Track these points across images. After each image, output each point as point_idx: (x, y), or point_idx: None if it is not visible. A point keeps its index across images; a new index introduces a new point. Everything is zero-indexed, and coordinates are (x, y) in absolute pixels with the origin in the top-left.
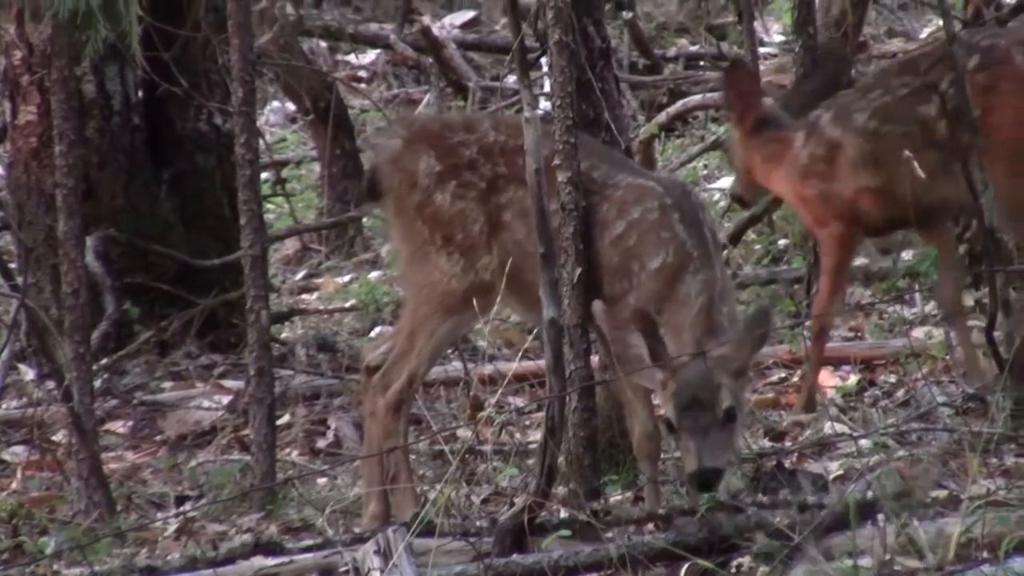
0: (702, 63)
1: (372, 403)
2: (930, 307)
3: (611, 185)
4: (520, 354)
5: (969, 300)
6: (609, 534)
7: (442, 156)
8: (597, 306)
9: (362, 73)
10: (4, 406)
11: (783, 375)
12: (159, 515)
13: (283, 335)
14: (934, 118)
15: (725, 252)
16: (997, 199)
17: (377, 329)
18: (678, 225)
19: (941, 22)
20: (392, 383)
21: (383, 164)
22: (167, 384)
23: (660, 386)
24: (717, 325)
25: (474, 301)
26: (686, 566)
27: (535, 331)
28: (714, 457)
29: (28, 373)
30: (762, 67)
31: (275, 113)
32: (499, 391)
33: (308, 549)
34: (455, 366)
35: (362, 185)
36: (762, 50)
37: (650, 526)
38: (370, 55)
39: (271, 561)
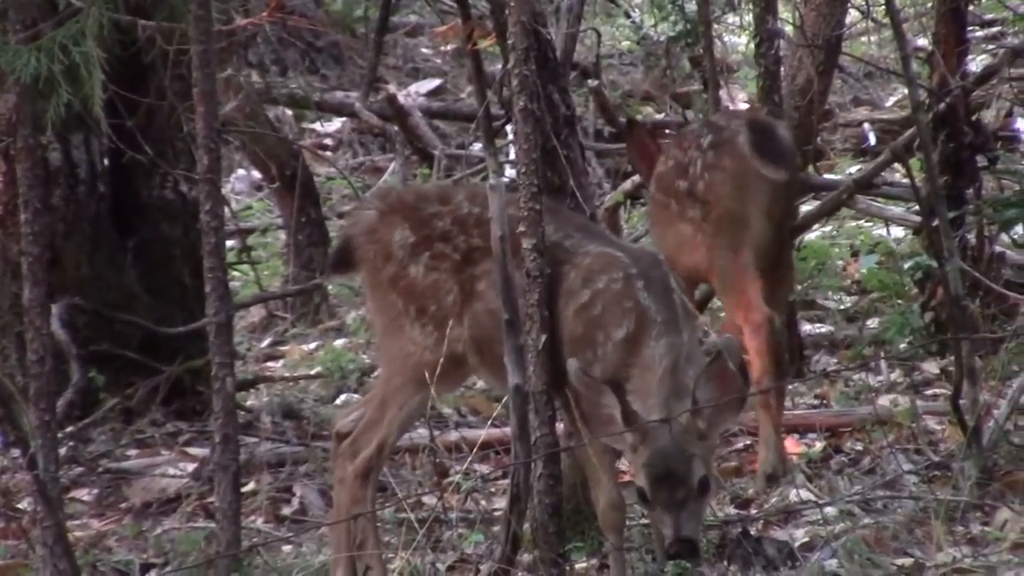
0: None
1: (341, 470)
2: (896, 375)
3: (580, 253)
4: (488, 422)
5: (935, 368)
6: None
7: (416, 227)
8: (572, 364)
9: (328, 141)
10: None
11: (748, 442)
12: None
13: (248, 402)
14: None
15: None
16: (716, 272)
17: (343, 396)
18: (642, 293)
19: (906, 90)
20: (361, 450)
21: (358, 235)
22: (132, 452)
23: (630, 449)
24: (684, 388)
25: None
26: None
27: (503, 399)
28: (691, 529)
29: None
30: None
31: (240, 181)
32: (466, 459)
33: None
34: (420, 433)
35: (331, 256)
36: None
37: None
38: (336, 123)
39: None
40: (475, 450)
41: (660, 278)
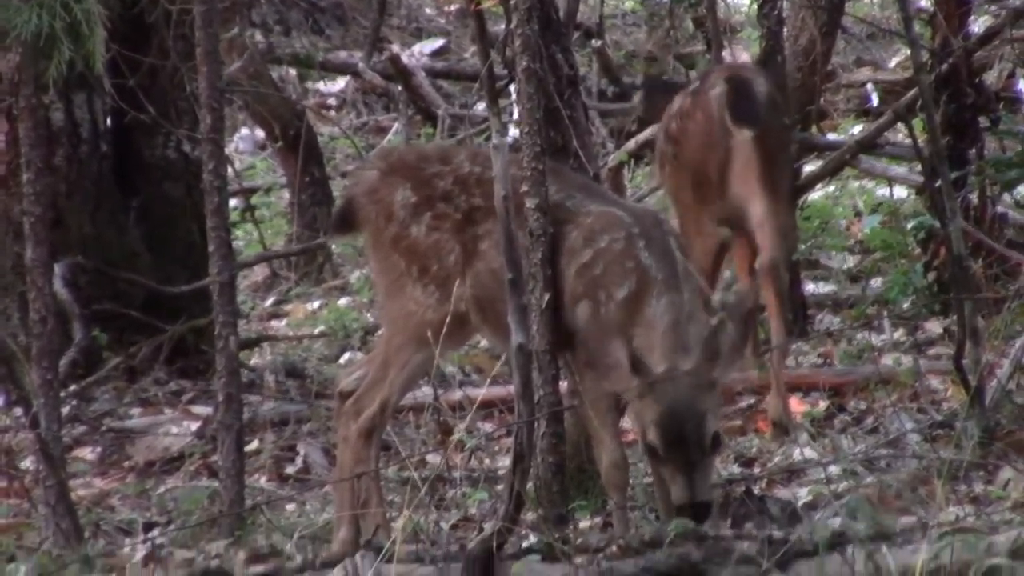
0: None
1: (345, 429)
2: (899, 334)
3: (582, 213)
4: (489, 380)
5: (937, 327)
6: (579, 560)
7: (418, 187)
8: (583, 308)
9: (331, 101)
10: None
11: (751, 401)
12: (127, 542)
13: (252, 361)
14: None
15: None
16: (678, 218)
17: (346, 355)
18: (643, 252)
19: (909, 51)
20: (364, 409)
21: (359, 196)
22: (135, 411)
23: (637, 397)
24: (684, 346)
25: (455, 329)
26: None
27: (503, 357)
28: (705, 491)
29: None
30: None
31: (244, 140)
32: (468, 417)
33: None
34: (424, 392)
35: (334, 217)
36: None
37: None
38: (339, 83)
39: None
40: (477, 408)
41: (661, 238)
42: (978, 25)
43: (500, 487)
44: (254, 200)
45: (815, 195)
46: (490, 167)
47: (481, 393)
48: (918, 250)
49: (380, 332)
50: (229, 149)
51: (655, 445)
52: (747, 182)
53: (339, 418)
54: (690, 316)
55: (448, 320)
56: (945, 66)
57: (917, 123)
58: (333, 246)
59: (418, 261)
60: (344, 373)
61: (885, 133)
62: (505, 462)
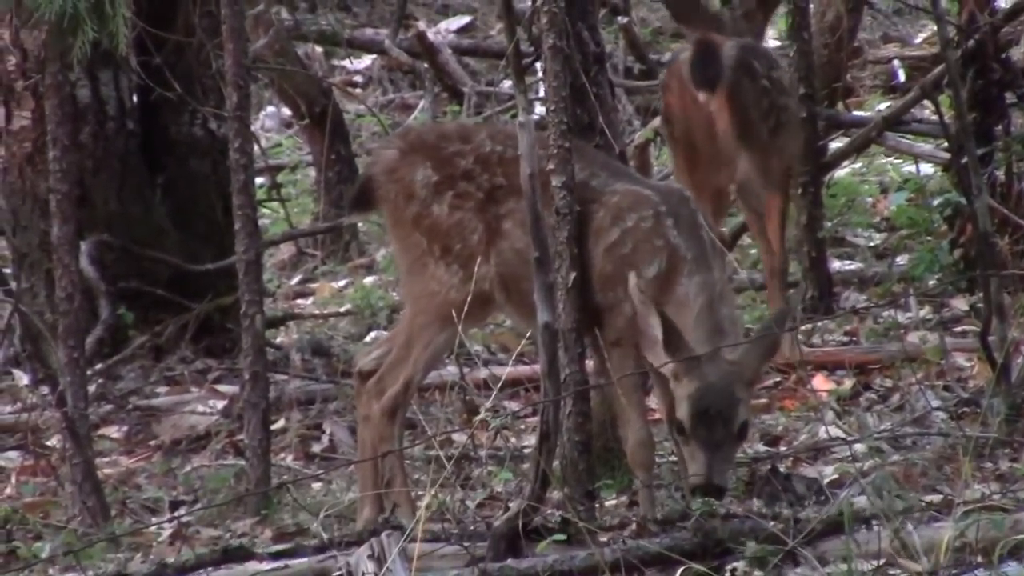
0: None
1: (366, 408)
2: (925, 312)
3: (608, 192)
4: (513, 357)
5: (963, 304)
6: (604, 539)
7: (438, 166)
8: (632, 279)
9: (357, 78)
10: None
11: (777, 379)
12: (153, 520)
13: (278, 340)
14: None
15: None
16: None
17: (372, 334)
18: (671, 231)
19: (935, 27)
20: (387, 388)
21: (378, 175)
22: (161, 389)
23: (672, 377)
24: (719, 327)
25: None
26: (680, 571)
27: (528, 335)
28: (722, 474)
29: (22, 378)
30: None
31: (270, 118)
32: (494, 395)
33: (280, 555)
34: (450, 370)
35: (352, 195)
36: None
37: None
38: (365, 60)
39: (266, 566)
40: (502, 387)
41: (688, 215)
42: (1005, 1)
43: (526, 466)
44: (280, 178)
45: (841, 172)
46: (512, 145)
47: (507, 371)
48: (944, 227)
49: (403, 311)
50: (255, 127)
51: (684, 421)
52: (730, 143)
53: (360, 397)
54: (721, 295)
55: (471, 299)
56: (972, 42)
57: (943, 99)
58: (359, 224)
59: (440, 240)
60: (362, 352)
61: (911, 110)
62: (531, 441)
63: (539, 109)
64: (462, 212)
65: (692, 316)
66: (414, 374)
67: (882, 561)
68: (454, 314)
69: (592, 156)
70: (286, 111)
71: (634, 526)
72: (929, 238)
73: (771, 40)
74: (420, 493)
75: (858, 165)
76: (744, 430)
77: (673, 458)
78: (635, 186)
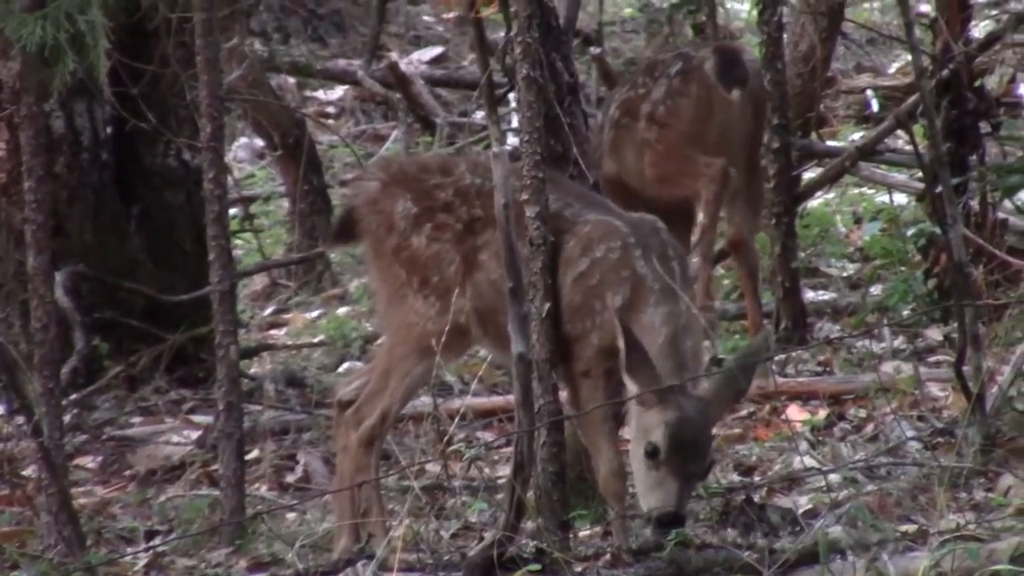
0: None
1: (344, 438)
2: (899, 342)
3: (580, 222)
4: (486, 388)
5: (938, 335)
6: (579, 569)
7: (418, 198)
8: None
9: (330, 109)
10: None
11: (751, 409)
12: (129, 550)
13: (252, 370)
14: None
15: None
16: (649, 166)
17: (346, 364)
18: (639, 262)
19: (910, 56)
20: (365, 419)
21: (360, 206)
22: (136, 419)
23: (640, 401)
24: (682, 362)
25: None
26: None
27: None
28: (685, 506)
29: None
30: None
31: (243, 149)
32: (469, 426)
33: None
34: (424, 401)
35: (334, 227)
36: None
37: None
38: (338, 91)
39: None
40: (476, 417)
41: (658, 246)
42: (979, 30)
43: (500, 496)
44: (253, 209)
45: (814, 202)
46: (490, 178)
47: (479, 401)
48: (918, 257)
49: (380, 341)
50: (229, 157)
51: (660, 446)
52: (732, 152)
53: (338, 427)
54: (686, 328)
55: (448, 331)
56: (946, 71)
57: (918, 129)
58: (332, 255)
59: (419, 272)
60: (343, 382)
61: (885, 139)
62: (505, 471)
63: (512, 139)
64: (440, 244)
65: (656, 346)
66: (391, 405)
67: None
68: (432, 345)
69: (567, 186)
70: (259, 142)
71: (609, 556)
72: (903, 268)
73: None
74: (395, 523)
75: (832, 195)
76: (711, 468)
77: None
78: (606, 216)
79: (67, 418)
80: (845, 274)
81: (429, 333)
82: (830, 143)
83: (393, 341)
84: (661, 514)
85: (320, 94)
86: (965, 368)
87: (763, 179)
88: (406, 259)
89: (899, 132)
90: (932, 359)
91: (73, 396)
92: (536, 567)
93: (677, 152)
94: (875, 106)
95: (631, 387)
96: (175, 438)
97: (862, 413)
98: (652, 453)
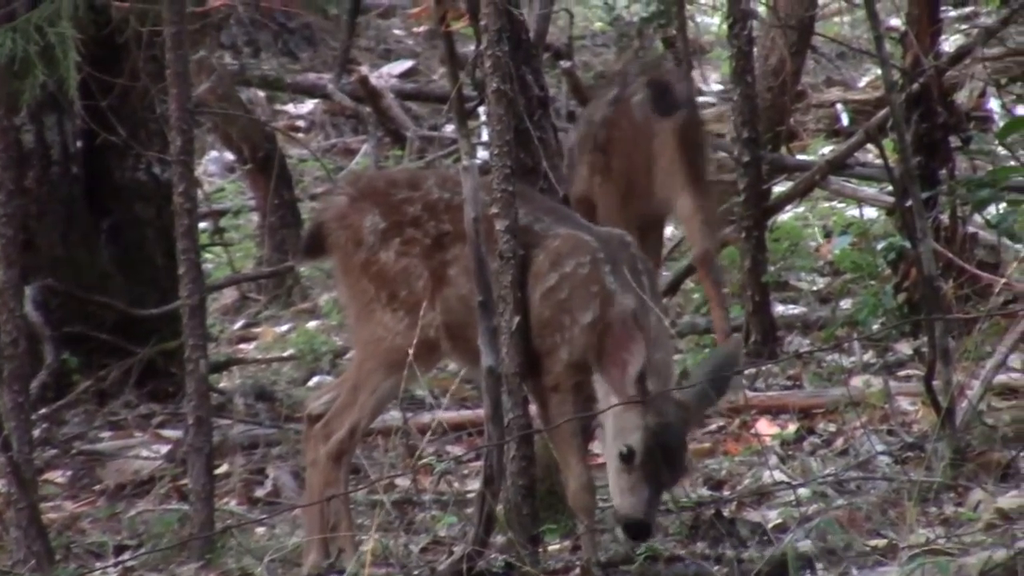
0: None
1: (314, 452)
2: (869, 356)
3: (550, 236)
4: (456, 402)
5: (908, 349)
6: None
7: (387, 213)
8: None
9: (300, 122)
10: None
11: (721, 424)
12: (98, 565)
13: (221, 384)
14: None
15: (664, 301)
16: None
17: (316, 378)
18: (608, 277)
19: (879, 71)
20: (334, 433)
21: (329, 221)
22: (106, 434)
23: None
24: (654, 372)
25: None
26: None
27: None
28: (655, 513)
29: None
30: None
31: (213, 163)
32: (438, 440)
33: None
34: (394, 415)
35: (303, 242)
36: (700, 99)
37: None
38: (308, 104)
39: None
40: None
41: (628, 260)
42: (949, 44)
43: (470, 510)
44: (223, 222)
45: (784, 216)
46: (459, 192)
47: (449, 415)
48: (888, 271)
49: (350, 355)
50: (199, 171)
51: (636, 450)
52: (673, 178)
53: (307, 441)
54: (656, 341)
55: (417, 345)
56: (916, 85)
57: (888, 143)
58: (302, 269)
59: (387, 287)
60: (313, 396)
61: (855, 153)
62: (475, 485)
63: (483, 153)
64: (408, 259)
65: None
66: (360, 419)
67: None
68: (401, 360)
69: (536, 200)
70: (229, 155)
71: (578, 570)
72: (873, 282)
73: (714, 84)
74: (364, 537)
75: (801, 209)
76: (684, 473)
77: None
78: (576, 231)
79: (36, 432)
80: (815, 288)
81: (398, 348)
82: (800, 157)
83: (362, 356)
84: (628, 522)
85: (290, 108)
86: (935, 382)
87: (714, 196)
88: (375, 274)
89: (869, 146)
90: (902, 373)
91: (43, 410)
92: None
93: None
94: (845, 120)
95: (607, 393)
96: (144, 452)
97: (832, 427)
98: (627, 457)
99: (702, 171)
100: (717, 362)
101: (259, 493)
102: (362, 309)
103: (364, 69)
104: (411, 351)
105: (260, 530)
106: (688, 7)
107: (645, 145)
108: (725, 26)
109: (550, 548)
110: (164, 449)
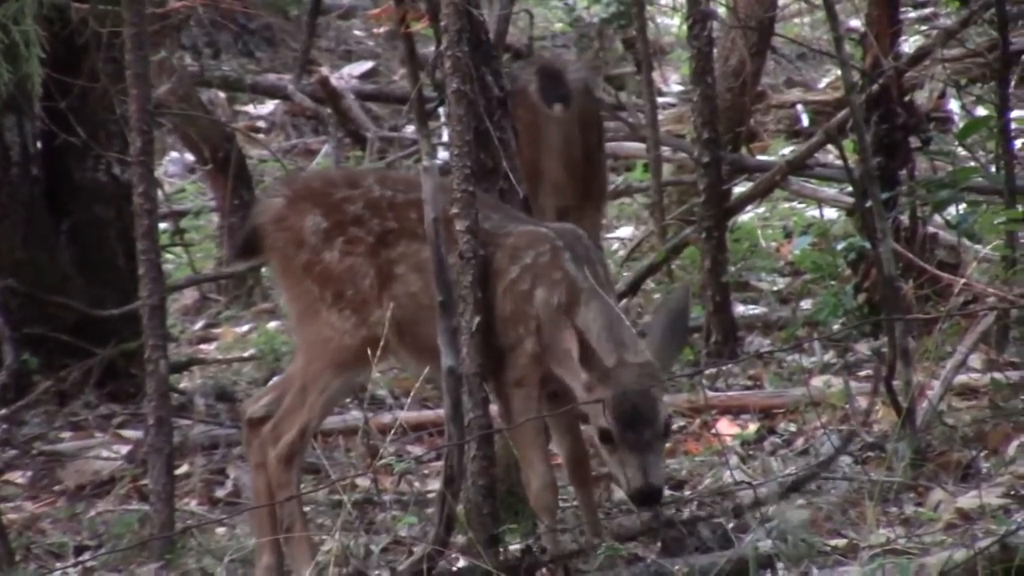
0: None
1: (259, 455)
2: (829, 356)
3: (503, 234)
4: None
5: (868, 349)
6: None
7: (328, 213)
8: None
9: (261, 123)
10: None
11: (682, 424)
12: (58, 565)
13: (182, 385)
14: None
15: (624, 301)
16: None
17: (276, 378)
18: (569, 264)
19: (839, 71)
20: (283, 435)
21: (265, 223)
22: (66, 434)
23: (585, 388)
24: (621, 341)
25: (368, 354)
26: None
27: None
28: (658, 475)
29: None
30: (661, 117)
31: (174, 163)
32: (397, 440)
33: None
34: (354, 415)
35: (236, 244)
36: (660, 100)
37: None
38: (268, 105)
39: None
40: (406, 431)
41: (583, 250)
42: (909, 45)
43: (430, 510)
44: (184, 223)
45: (745, 216)
46: (402, 190)
47: (410, 415)
48: (848, 271)
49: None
50: (159, 172)
51: (610, 429)
52: (574, 165)
53: (250, 444)
54: (619, 317)
55: (364, 344)
56: (876, 86)
57: (848, 144)
58: (263, 269)
59: (332, 287)
60: (251, 400)
61: (815, 154)
62: (435, 485)
63: (443, 154)
64: (353, 258)
65: (594, 339)
66: (310, 420)
67: None
68: (348, 359)
69: (483, 200)
70: (189, 156)
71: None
72: (833, 282)
73: (674, 85)
74: (324, 537)
75: (762, 209)
76: (668, 428)
77: (575, 502)
78: (529, 226)
79: None
80: (775, 288)
81: (345, 347)
82: (760, 157)
83: (308, 357)
84: (634, 494)
85: (250, 108)
86: (895, 382)
87: (604, 195)
88: (318, 274)
89: (829, 147)
90: (862, 373)
91: (2, 411)
92: None
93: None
94: (805, 121)
95: (579, 384)
96: (105, 453)
97: (792, 427)
98: (606, 437)
99: (598, 166)
100: (670, 309)
101: (220, 493)
102: (306, 310)
103: (324, 70)
104: (359, 350)
105: (220, 530)
106: (648, 8)
107: (544, 135)
108: (685, 27)
109: (511, 548)
110: (124, 450)
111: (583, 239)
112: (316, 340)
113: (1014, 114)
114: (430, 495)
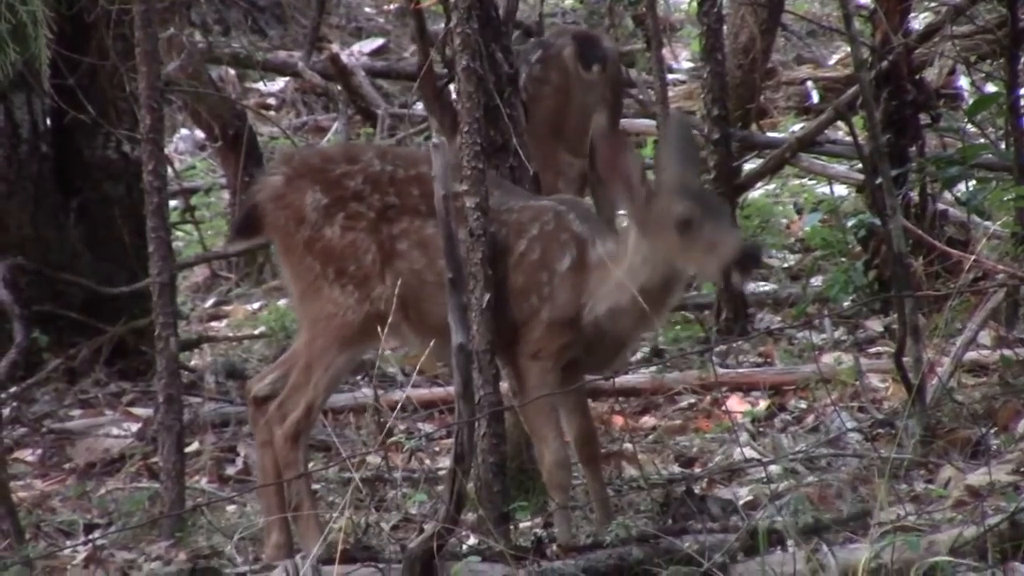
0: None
1: (266, 433)
2: (839, 333)
3: (505, 211)
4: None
5: (878, 326)
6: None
7: (327, 189)
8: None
9: (271, 100)
10: None
11: (692, 401)
12: (68, 543)
13: (192, 362)
14: None
15: None
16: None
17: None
18: (574, 223)
19: (849, 48)
20: (289, 414)
21: (265, 202)
22: (76, 412)
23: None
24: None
25: (376, 329)
26: None
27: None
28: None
29: None
30: (671, 94)
31: (184, 140)
32: (410, 418)
33: None
34: (364, 392)
35: (236, 223)
36: (670, 77)
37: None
38: (279, 82)
39: None
40: (417, 409)
41: (585, 210)
42: (918, 22)
43: (440, 488)
44: (194, 200)
45: (755, 193)
46: (402, 165)
47: (420, 393)
48: (858, 248)
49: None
50: (169, 149)
51: (687, 212)
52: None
53: (256, 423)
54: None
55: (368, 320)
56: (885, 63)
57: (857, 120)
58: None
59: (334, 263)
60: (256, 378)
61: (825, 131)
62: (445, 463)
63: None
64: (354, 233)
65: (621, 260)
66: (315, 398)
67: None
68: (352, 335)
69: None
70: (200, 134)
71: (555, 547)
72: (843, 259)
73: (684, 62)
74: (335, 515)
75: (772, 186)
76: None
77: (584, 481)
78: (531, 201)
79: (6, 411)
80: (786, 265)
81: (349, 323)
82: (770, 134)
83: (312, 334)
84: (737, 259)
85: (260, 86)
86: (905, 359)
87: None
88: (320, 251)
89: (839, 123)
90: (872, 350)
91: (12, 389)
92: (476, 559)
93: (540, 141)
94: (815, 97)
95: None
96: (115, 431)
97: (803, 404)
98: (686, 223)
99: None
100: (675, 138)
101: (230, 471)
102: (308, 287)
103: (335, 47)
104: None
105: (231, 508)
106: None
107: (575, 97)
108: (695, 4)
109: (521, 525)
110: (134, 427)
111: (583, 204)
112: (319, 317)
113: None
114: (440, 472)
